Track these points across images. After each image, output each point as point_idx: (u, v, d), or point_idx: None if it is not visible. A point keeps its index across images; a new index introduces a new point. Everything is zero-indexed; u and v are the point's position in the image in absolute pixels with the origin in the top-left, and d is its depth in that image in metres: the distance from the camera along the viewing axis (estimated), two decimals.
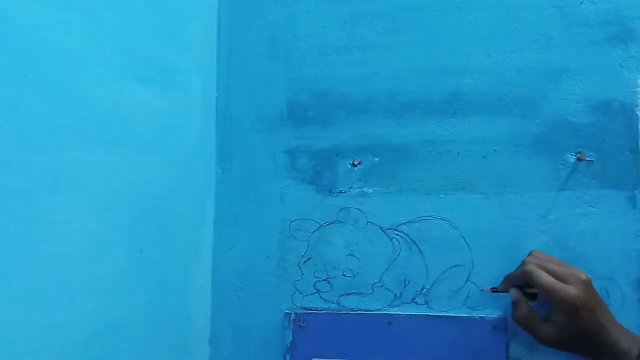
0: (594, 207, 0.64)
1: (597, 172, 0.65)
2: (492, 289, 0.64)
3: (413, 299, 0.68)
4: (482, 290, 0.65)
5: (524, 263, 0.60)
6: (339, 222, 0.70)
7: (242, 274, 0.73)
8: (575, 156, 0.65)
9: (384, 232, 0.69)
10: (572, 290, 0.55)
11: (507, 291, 0.63)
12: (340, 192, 0.71)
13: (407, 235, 0.69)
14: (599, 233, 0.64)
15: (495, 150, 0.67)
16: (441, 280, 0.67)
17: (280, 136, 0.73)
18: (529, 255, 0.62)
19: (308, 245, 0.71)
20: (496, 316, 0.65)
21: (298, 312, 0.70)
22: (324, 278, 0.70)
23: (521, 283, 0.60)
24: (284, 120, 0.73)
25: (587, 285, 0.56)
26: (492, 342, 0.65)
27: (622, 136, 0.64)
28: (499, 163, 0.67)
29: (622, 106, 0.65)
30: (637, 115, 0.64)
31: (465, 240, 0.67)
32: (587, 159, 0.65)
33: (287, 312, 0.71)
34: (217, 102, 0.75)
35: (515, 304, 0.61)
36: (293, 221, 0.71)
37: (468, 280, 0.67)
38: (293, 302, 0.71)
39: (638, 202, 0.64)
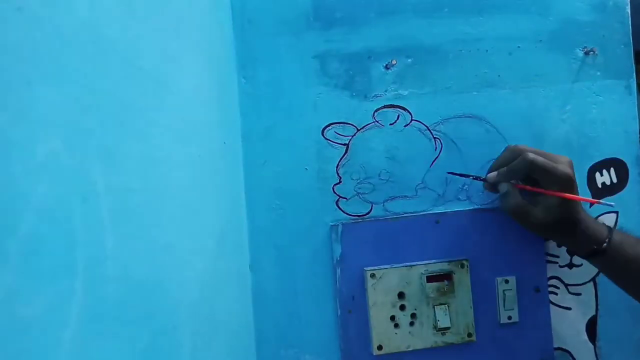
0: (600, 96, 0.72)
1: (600, 65, 0.72)
2: (474, 177, 0.67)
3: (456, 196, 0.69)
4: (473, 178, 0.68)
5: (515, 154, 0.63)
6: (377, 126, 0.68)
7: (279, 190, 0.67)
8: (583, 50, 0.72)
9: (422, 133, 0.69)
10: (566, 168, 0.61)
11: (489, 182, 0.66)
12: (376, 96, 0.68)
13: (444, 134, 0.69)
14: (606, 118, 0.72)
15: (519, 47, 0.70)
16: (480, 174, 0.69)
17: (307, 39, 0.68)
18: (508, 149, 0.64)
19: (347, 152, 0.68)
20: None
21: (344, 222, 0.67)
22: (364, 179, 0.68)
23: (521, 174, 0.63)
24: (309, 21, 0.68)
25: (572, 165, 0.63)
26: None
27: (617, 32, 0.72)
28: (522, 58, 0.70)
29: (615, 5, 0.72)
30: (627, 13, 0.72)
31: (500, 133, 0.69)
32: (594, 52, 0.71)
33: (332, 224, 0.67)
34: (232, 2, 0.67)
35: (506, 195, 0.64)
36: (329, 128, 0.67)
37: None
38: (337, 213, 0.67)
39: (633, 89, 0.72)
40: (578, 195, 0.62)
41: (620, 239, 0.62)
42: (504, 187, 0.64)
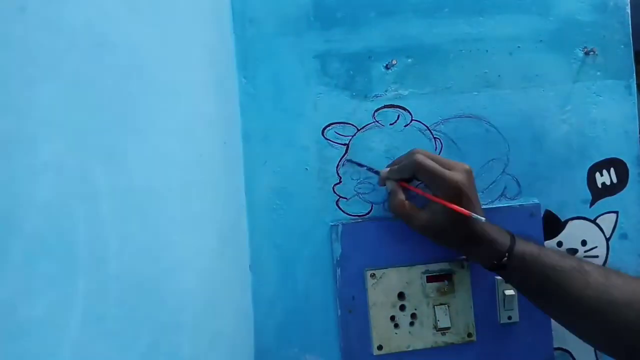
0: (600, 96, 0.72)
1: (601, 65, 0.72)
2: (368, 168, 0.67)
3: None
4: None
5: (409, 155, 0.62)
6: (377, 126, 0.68)
7: (279, 190, 0.67)
8: (583, 50, 0.72)
9: (422, 133, 0.69)
10: (457, 176, 0.59)
11: (379, 176, 0.66)
12: (376, 96, 0.68)
13: (445, 134, 0.69)
14: (606, 118, 0.72)
15: (519, 47, 0.70)
16: (479, 175, 0.69)
17: (308, 40, 0.68)
18: (410, 151, 0.63)
19: (347, 152, 0.67)
20: (532, 203, 0.70)
21: (344, 222, 0.67)
22: (364, 179, 0.68)
23: (408, 174, 0.62)
24: (310, 22, 0.68)
25: (470, 174, 0.61)
26: (530, 228, 0.69)
27: (617, 32, 0.72)
28: (522, 58, 0.71)
29: (615, 5, 0.72)
30: (627, 13, 0.72)
31: (500, 133, 0.70)
32: (594, 52, 0.71)
33: (332, 224, 0.67)
34: (232, 3, 0.67)
35: (390, 194, 0.64)
36: (329, 128, 0.67)
37: (504, 172, 0.70)
38: (338, 213, 0.67)
39: (633, 89, 0.72)
40: (471, 206, 0.58)
41: (521, 250, 0.58)
42: (389, 184, 0.64)
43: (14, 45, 0.19)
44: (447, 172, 0.59)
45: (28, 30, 0.20)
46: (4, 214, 0.18)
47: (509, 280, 0.62)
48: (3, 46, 0.18)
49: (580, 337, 0.59)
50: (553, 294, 0.57)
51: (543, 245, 0.65)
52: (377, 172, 0.66)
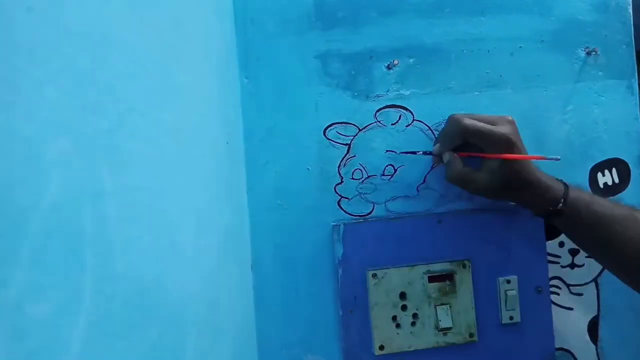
0: (602, 96, 0.72)
1: (602, 65, 0.72)
2: (423, 152, 0.67)
3: (458, 196, 0.69)
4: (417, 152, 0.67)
5: (453, 122, 0.64)
6: (379, 126, 0.68)
7: (280, 190, 0.67)
8: (584, 50, 0.72)
9: (423, 133, 0.69)
10: (504, 129, 0.61)
11: (434, 155, 0.66)
12: (377, 96, 0.68)
13: None
14: (608, 119, 0.72)
15: (521, 47, 0.70)
16: None
17: (309, 40, 0.68)
18: (448, 119, 0.65)
19: (348, 152, 0.68)
20: None
21: (346, 222, 0.67)
22: (365, 179, 0.68)
23: (458, 141, 0.64)
24: (311, 22, 0.68)
25: (514, 124, 0.62)
26: (531, 228, 0.69)
27: (619, 32, 0.72)
28: (524, 59, 0.70)
29: (617, 5, 0.72)
30: (629, 13, 0.73)
31: None
32: (596, 52, 0.71)
33: (334, 224, 0.67)
34: (234, 3, 0.67)
35: (449, 163, 0.64)
36: (331, 128, 0.67)
37: None
38: (339, 213, 0.67)
39: (635, 89, 0.72)
40: (522, 154, 0.61)
41: (576, 196, 0.60)
42: (446, 156, 0.65)
43: (20, 45, 0.19)
44: (494, 128, 0.60)
45: (34, 31, 0.20)
46: (11, 213, 0.18)
47: (562, 227, 0.63)
48: (10, 46, 0.18)
49: (629, 284, 0.61)
50: (605, 240, 0.59)
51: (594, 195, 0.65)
52: (430, 153, 0.67)
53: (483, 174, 0.62)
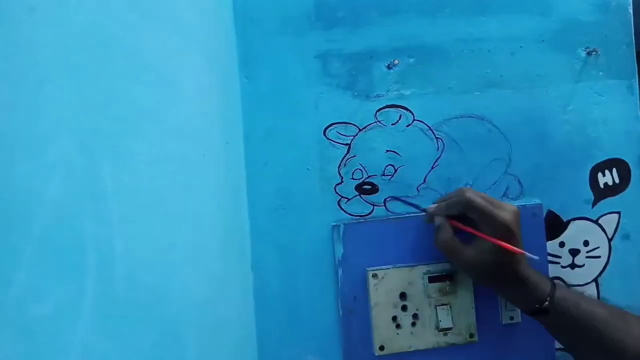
0: (602, 96, 0.72)
1: (603, 65, 0.72)
2: (417, 207, 0.66)
3: None
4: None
5: (459, 192, 0.62)
6: (379, 126, 0.68)
7: (280, 190, 0.67)
8: (585, 50, 0.72)
9: (424, 133, 0.69)
10: (507, 216, 0.59)
11: (427, 213, 0.65)
12: (378, 96, 0.68)
13: (447, 134, 0.69)
14: (608, 119, 0.72)
15: (521, 47, 0.70)
16: (482, 175, 0.69)
17: (309, 39, 0.68)
18: (458, 189, 0.63)
19: (348, 152, 0.67)
20: (534, 204, 0.70)
21: (346, 222, 0.67)
22: (366, 179, 0.68)
23: (457, 211, 0.62)
24: (311, 21, 0.68)
25: (517, 216, 0.60)
26: (532, 228, 0.69)
27: (619, 32, 0.72)
28: (524, 58, 0.70)
29: (618, 5, 0.72)
30: (630, 13, 0.72)
31: (502, 133, 0.69)
32: (596, 52, 0.71)
33: (334, 224, 0.67)
34: (233, 3, 0.66)
35: (438, 228, 0.63)
36: (331, 128, 0.67)
37: (506, 172, 0.70)
38: (339, 213, 0.67)
39: (635, 89, 0.72)
40: (519, 247, 0.59)
41: (563, 296, 0.58)
42: (437, 220, 0.63)
43: (23, 45, 0.19)
44: (497, 212, 0.59)
45: (37, 31, 0.20)
46: (13, 213, 0.18)
47: (548, 326, 0.61)
48: (13, 46, 0.18)
49: None
50: (593, 340, 0.57)
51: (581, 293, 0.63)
52: (424, 210, 0.66)
53: (472, 251, 0.60)
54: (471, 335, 0.67)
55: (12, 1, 0.18)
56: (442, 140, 0.69)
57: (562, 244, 0.70)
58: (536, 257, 0.58)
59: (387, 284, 0.66)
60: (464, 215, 0.61)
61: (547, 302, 0.58)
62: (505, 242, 0.58)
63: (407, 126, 0.69)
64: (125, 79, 0.30)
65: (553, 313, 0.58)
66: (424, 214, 0.66)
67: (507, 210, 0.60)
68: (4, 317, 0.17)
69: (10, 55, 0.18)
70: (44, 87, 0.20)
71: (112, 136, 0.27)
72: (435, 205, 0.64)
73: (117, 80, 0.29)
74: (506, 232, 0.58)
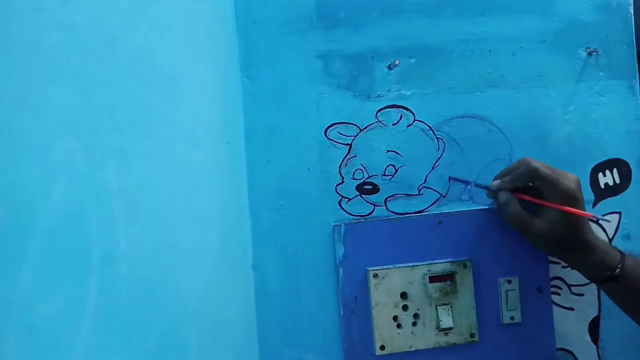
0: (603, 96, 0.72)
1: (603, 65, 0.72)
2: (475, 184, 0.67)
3: (458, 196, 0.69)
4: (475, 185, 0.68)
5: (522, 163, 0.63)
6: (380, 126, 0.68)
7: (282, 190, 0.67)
8: (586, 51, 0.72)
9: (425, 133, 0.69)
10: (573, 184, 0.60)
11: (492, 190, 0.65)
12: (379, 96, 0.69)
13: (447, 134, 0.69)
14: (609, 119, 0.72)
15: (522, 47, 0.70)
16: (483, 175, 0.69)
17: (311, 40, 0.68)
18: (518, 160, 0.64)
19: (349, 152, 0.68)
20: None
21: (346, 222, 0.67)
22: (367, 180, 0.68)
23: (523, 182, 0.63)
24: (313, 22, 0.68)
25: (579, 185, 0.62)
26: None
27: (620, 32, 0.72)
28: (525, 59, 0.70)
29: (618, 5, 0.72)
30: (631, 13, 0.73)
31: (503, 134, 0.70)
32: (597, 52, 0.71)
33: (335, 224, 0.67)
34: (235, 3, 0.67)
35: (506, 204, 0.63)
36: (332, 128, 0.67)
37: None
38: (340, 213, 0.67)
39: (636, 89, 0.72)
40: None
41: (633, 264, 0.60)
42: (502, 196, 0.63)
43: (29, 45, 0.19)
44: (562, 180, 0.60)
45: (43, 31, 0.20)
46: (18, 213, 0.18)
47: (615, 294, 0.62)
48: (19, 47, 0.19)
49: None
50: None
51: None
52: (485, 187, 0.66)
53: (542, 223, 0.61)
54: (472, 335, 0.67)
55: (18, 1, 0.18)
56: (442, 140, 0.69)
57: None
58: (609, 220, 0.62)
59: (387, 284, 0.66)
60: (525, 187, 0.62)
61: (618, 269, 0.59)
62: (572, 207, 0.59)
63: (407, 126, 0.69)
64: (129, 80, 0.30)
65: (624, 280, 0.59)
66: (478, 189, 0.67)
67: (570, 178, 0.61)
68: (10, 316, 0.17)
69: (15, 55, 0.18)
70: (49, 88, 0.21)
71: (116, 136, 0.27)
72: (499, 181, 0.64)
73: (121, 81, 0.29)
74: (572, 199, 0.59)
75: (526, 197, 0.63)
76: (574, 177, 0.62)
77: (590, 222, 0.62)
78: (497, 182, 0.65)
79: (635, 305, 0.62)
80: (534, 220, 0.61)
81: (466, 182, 0.68)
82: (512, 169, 0.64)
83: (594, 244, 0.60)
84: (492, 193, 0.66)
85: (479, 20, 0.70)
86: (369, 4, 0.68)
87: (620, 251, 0.62)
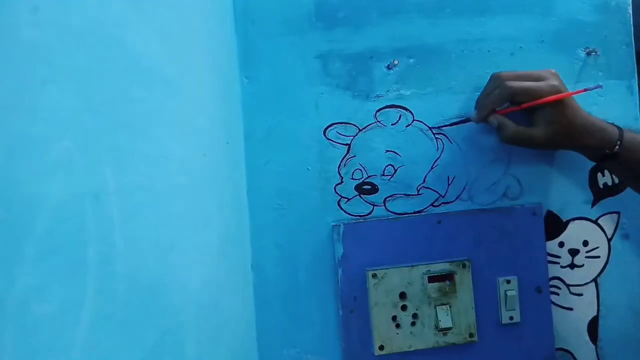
0: (602, 96, 0.72)
1: (602, 65, 0.72)
2: (461, 120, 0.68)
3: (458, 196, 0.69)
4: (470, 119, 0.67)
5: (497, 85, 0.63)
6: (379, 126, 0.68)
7: (281, 190, 0.67)
8: (585, 51, 0.72)
9: (423, 133, 0.69)
10: (552, 82, 0.62)
11: (476, 121, 0.66)
12: (378, 96, 0.69)
13: (446, 134, 0.69)
14: (608, 119, 0.71)
15: (521, 47, 0.70)
16: (481, 175, 0.69)
17: (310, 40, 0.68)
18: (490, 79, 0.65)
19: (348, 152, 0.68)
20: (534, 204, 0.70)
21: (345, 222, 0.67)
22: (366, 180, 0.68)
23: (503, 102, 0.64)
24: (312, 22, 0.68)
25: (557, 75, 0.63)
26: (532, 227, 0.69)
27: (619, 32, 0.72)
28: (524, 59, 0.70)
29: (617, 5, 0.72)
30: (629, 14, 0.73)
31: None
32: (596, 52, 0.71)
33: (334, 224, 0.67)
34: (234, 3, 0.67)
35: (500, 127, 0.64)
36: (331, 128, 0.67)
37: (506, 172, 0.70)
38: (339, 213, 0.67)
39: (634, 90, 0.72)
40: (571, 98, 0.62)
41: (631, 139, 0.61)
42: (493, 121, 0.64)
43: (25, 45, 0.19)
44: (541, 84, 0.61)
45: (39, 31, 0.20)
46: (16, 213, 0.18)
47: (617, 169, 0.65)
48: (15, 46, 0.18)
49: None
50: None
51: None
52: (466, 120, 0.67)
53: (539, 129, 0.62)
54: (471, 335, 0.67)
55: (15, 1, 0.18)
56: (441, 140, 0.69)
57: (561, 244, 0.70)
58: (600, 86, 0.64)
59: (386, 284, 0.66)
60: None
61: (617, 145, 0.61)
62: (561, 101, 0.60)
63: (406, 126, 0.69)
64: (127, 79, 0.30)
65: (623, 156, 0.61)
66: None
67: (547, 77, 0.62)
68: (7, 316, 0.17)
69: (12, 55, 0.18)
70: (46, 88, 0.21)
71: (114, 136, 0.27)
72: (476, 111, 0.66)
73: (119, 81, 0.29)
74: (556, 92, 0.61)
75: (514, 109, 0.63)
76: (550, 72, 0.63)
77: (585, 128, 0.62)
78: (477, 111, 0.66)
79: (636, 175, 0.64)
80: (532, 130, 0.62)
81: (454, 124, 0.68)
82: (489, 91, 0.64)
83: (590, 123, 0.62)
84: (480, 118, 0.66)
85: (478, 20, 0.70)
86: (368, 4, 0.68)
87: (619, 128, 0.63)
